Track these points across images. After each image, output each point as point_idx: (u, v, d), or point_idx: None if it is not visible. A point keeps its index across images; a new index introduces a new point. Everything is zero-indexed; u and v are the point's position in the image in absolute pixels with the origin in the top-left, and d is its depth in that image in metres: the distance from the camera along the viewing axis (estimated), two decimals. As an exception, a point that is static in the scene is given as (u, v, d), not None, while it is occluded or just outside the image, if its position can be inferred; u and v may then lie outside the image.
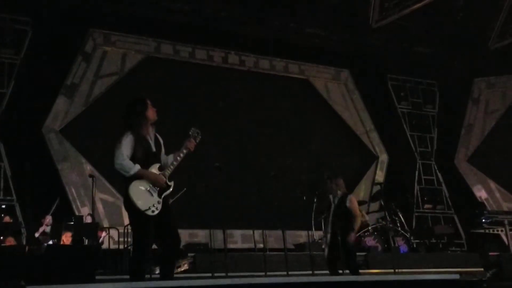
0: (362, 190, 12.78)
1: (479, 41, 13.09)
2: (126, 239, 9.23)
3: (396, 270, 6.88)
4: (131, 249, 5.08)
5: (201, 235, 10.35)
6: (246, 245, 10.37)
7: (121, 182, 4.85)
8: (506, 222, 10.17)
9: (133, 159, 4.84)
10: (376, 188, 11.98)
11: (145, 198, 4.78)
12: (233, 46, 12.27)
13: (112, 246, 9.32)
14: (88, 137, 10.33)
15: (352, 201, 6.79)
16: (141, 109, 5.06)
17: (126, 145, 4.87)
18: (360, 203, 10.89)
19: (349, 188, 12.26)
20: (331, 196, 7.10)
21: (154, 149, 5.02)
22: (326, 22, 12.27)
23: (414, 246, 10.28)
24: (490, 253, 9.12)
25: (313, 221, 9.66)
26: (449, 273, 5.85)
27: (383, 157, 13.27)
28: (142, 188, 4.81)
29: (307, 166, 11.89)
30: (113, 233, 9.43)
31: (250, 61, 12.56)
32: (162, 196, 4.86)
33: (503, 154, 13.42)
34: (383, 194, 11.12)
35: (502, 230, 10.63)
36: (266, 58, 12.74)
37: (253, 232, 8.68)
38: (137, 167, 4.77)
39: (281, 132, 12.07)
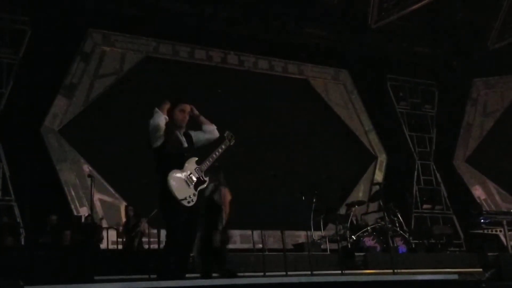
0: (361, 190, 12.79)
1: (478, 41, 13.11)
2: (123, 239, 9.26)
3: (395, 270, 6.86)
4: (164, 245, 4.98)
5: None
6: (245, 245, 10.37)
7: (156, 171, 4.86)
8: (504, 222, 10.14)
9: (167, 154, 4.89)
10: (375, 188, 11.99)
11: (183, 187, 4.80)
12: (232, 46, 12.28)
13: (111, 246, 9.31)
14: (87, 137, 10.33)
15: (223, 194, 6.24)
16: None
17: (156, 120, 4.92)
18: (359, 203, 10.92)
19: (348, 188, 12.51)
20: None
21: (185, 144, 5.09)
22: (325, 22, 12.28)
23: (413, 246, 10.26)
24: (489, 254, 9.11)
25: (312, 221, 9.64)
26: (448, 274, 5.86)
27: (382, 157, 13.28)
28: (181, 176, 4.84)
29: (306, 166, 11.88)
30: (112, 233, 9.41)
31: (249, 61, 12.56)
32: (198, 190, 4.89)
33: (501, 155, 13.44)
34: (382, 194, 11.10)
35: (500, 231, 10.62)
36: (265, 59, 12.74)
37: (252, 232, 8.68)
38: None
39: (280, 132, 12.06)
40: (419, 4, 11.61)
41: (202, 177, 5.00)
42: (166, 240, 4.89)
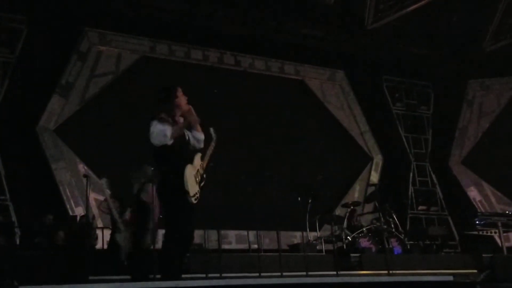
0: (357, 191, 12.81)
1: (474, 43, 13.14)
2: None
3: (390, 272, 6.88)
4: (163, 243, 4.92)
5: (195, 235, 10.31)
6: (240, 246, 10.38)
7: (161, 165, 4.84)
8: (499, 224, 10.20)
9: (172, 149, 4.88)
10: (371, 189, 12.01)
11: (193, 184, 4.81)
12: (229, 47, 12.27)
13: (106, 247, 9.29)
14: (83, 136, 10.31)
15: (150, 193, 5.96)
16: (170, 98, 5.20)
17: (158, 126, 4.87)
18: (355, 204, 10.94)
19: (343, 188, 12.52)
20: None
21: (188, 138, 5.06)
22: (322, 23, 12.27)
23: (408, 247, 10.29)
24: (484, 255, 9.14)
25: (307, 222, 9.65)
26: (443, 275, 5.88)
27: (378, 158, 13.29)
28: (193, 172, 4.83)
29: (302, 166, 11.88)
30: (107, 233, 9.39)
31: (246, 61, 12.55)
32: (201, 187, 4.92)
33: (497, 156, 13.48)
34: (377, 195, 11.14)
35: (495, 232, 10.66)
36: (261, 59, 12.73)
37: (248, 233, 8.69)
38: (169, 128, 4.83)
39: (276, 132, 12.06)
40: (415, 6, 11.65)
41: (204, 174, 5.02)
42: (168, 237, 4.81)
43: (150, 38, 11.55)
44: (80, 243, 7.43)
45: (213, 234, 8.58)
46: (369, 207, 11.52)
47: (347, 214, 10.18)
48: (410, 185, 13.26)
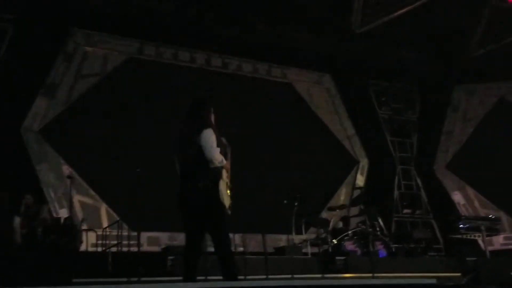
0: (343, 194, 12.86)
1: (459, 48, 13.25)
2: (105, 242, 9.19)
3: (374, 274, 6.92)
4: (218, 252, 5.19)
5: (181, 238, 10.29)
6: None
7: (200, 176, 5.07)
8: (483, 227, 10.29)
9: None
10: (356, 192, 12.06)
11: (227, 196, 5.20)
12: (217, 49, 12.26)
13: (91, 249, 9.24)
14: (68, 138, 10.22)
15: None
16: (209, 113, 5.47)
17: (214, 139, 5.15)
18: (341, 207, 10.98)
19: (330, 192, 12.56)
20: None
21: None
22: (309, 27, 12.30)
23: (393, 250, 10.34)
24: (467, 258, 9.22)
25: (293, 225, 9.66)
26: (427, 278, 5.91)
27: (364, 162, 13.35)
28: (225, 186, 5.18)
29: (289, 169, 11.91)
30: (91, 235, 9.34)
31: (233, 64, 12.55)
32: None
33: (480, 161, 13.60)
34: (363, 199, 11.20)
35: (479, 236, 10.75)
36: (249, 62, 12.74)
37: (234, 236, 8.67)
38: (224, 159, 5.22)
39: (263, 135, 12.07)
40: (402, 10, 11.70)
41: (231, 185, 5.37)
42: (226, 244, 5.16)
43: (138, 39, 11.50)
44: (64, 245, 7.38)
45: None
46: (355, 210, 11.55)
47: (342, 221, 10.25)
48: (395, 188, 13.36)
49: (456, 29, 12.62)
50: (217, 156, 5.12)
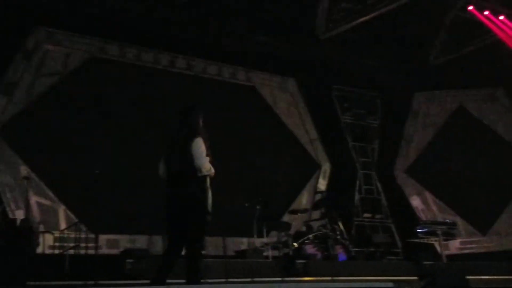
0: (305, 198, 12.93)
1: (421, 56, 13.53)
2: (63, 244, 9.02)
3: (334, 278, 6.99)
4: (189, 254, 5.33)
5: (141, 241, 10.20)
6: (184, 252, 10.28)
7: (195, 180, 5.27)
8: (439, 232, 10.53)
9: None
10: (318, 196, 12.17)
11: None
12: (181, 50, 12.18)
13: (48, 251, 9.06)
14: (26, 137, 9.95)
15: None
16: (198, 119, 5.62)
17: (204, 148, 5.34)
18: (302, 211, 11.06)
19: (292, 195, 12.62)
20: None
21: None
22: (274, 31, 12.36)
23: (353, 254, 10.47)
24: (425, 262, 9.40)
25: (255, 228, 9.68)
26: (384, 281, 6.00)
27: (326, 166, 13.46)
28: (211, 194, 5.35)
29: (251, 173, 11.92)
30: (48, 237, 9.16)
31: (198, 66, 12.49)
32: None
33: (439, 166, 13.92)
34: (324, 203, 11.31)
35: (436, 240, 11.00)
36: (214, 64, 12.71)
37: (191, 234, 8.61)
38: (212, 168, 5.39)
39: (226, 138, 12.03)
40: (367, 17, 11.89)
41: None
42: (193, 247, 5.26)
43: (101, 39, 11.31)
44: (20, 247, 7.21)
45: (159, 240, 8.51)
46: (316, 214, 11.66)
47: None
48: (356, 193, 13.52)
49: (418, 37, 12.91)
50: (206, 165, 5.31)
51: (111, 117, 10.69)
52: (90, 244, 8.30)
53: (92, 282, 6.09)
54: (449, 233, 11.02)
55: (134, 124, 10.81)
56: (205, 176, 5.33)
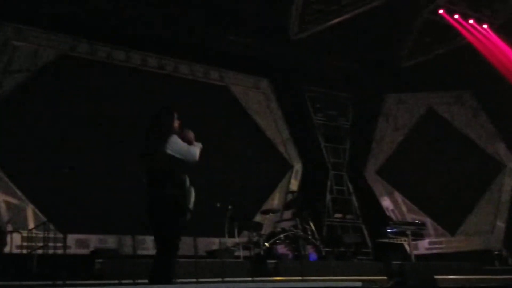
0: (277, 198, 12.96)
1: (391, 58, 13.70)
2: (31, 244, 8.88)
3: (304, 278, 7.03)
4: (159, 254, 5.34)
5: (111, 241, 10.10)
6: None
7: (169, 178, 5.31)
8: (409, 232, 10.68)
9: (182, 162, 5.41)
10: (290, 196, 12.22)
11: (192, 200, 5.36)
12: (153, 49, 12.09)
13: (15, 251, 8.90)
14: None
15: None
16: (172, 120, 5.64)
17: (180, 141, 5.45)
18: (274, 211, 11.09)
19: (264, 195, 12.64)
20: None
21: None
22: (248, 31, 12.38)
23: (323, 254, 10.53)
24: (394, 262, 9.52)
25: (226, 228, 9.67)
26: (353, 281, 6.06)
27: (298, 167, 13.52)
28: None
29: (223, 173, 11.90)
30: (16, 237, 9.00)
31: (170, 65, 12.42)
32: None
33: (409, 168, 14.13)
34: (296, 203, 11.36)
35: (405, 240, 11.15)
36: (186, 63, 12.65)
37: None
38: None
39: (198, 137, 11.97)
40: (339, 19, 12.00)
41: None
42: (168, 246, 5.27)
43: (71, 36, 11.16)
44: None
45: (129, 240, 8.45)
46: (288, 214, 11.70)
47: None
48: (328, 193, 13.61)
49: (389, 39, 13.05)
50: (195, 151, 5.52)
51: (81, 115, 10.56)
52: (59, 244, 8.19)
53: (60, 282, 6.02)
54: (418, 233, 11.19)
55: (105, 122, 10.69)
56: (182, 177, 5.39)
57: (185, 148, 5.41)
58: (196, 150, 5.49)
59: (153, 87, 11.75)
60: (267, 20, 12.18)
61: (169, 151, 5.32)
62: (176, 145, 5.38)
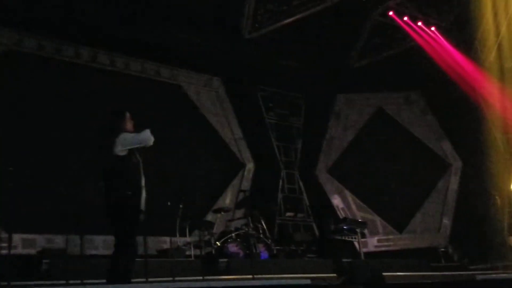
0: (228, 197, 12.97)
1: (342, 59, 13.90)
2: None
3: (254, 276, 7.06)
4: (114, 254, 5.43)
5: (58, 241, 9.87)
6: (106, 252, 10.07)
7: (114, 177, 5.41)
8: (358, 230, 10.85)
9: (133, 163, 5.51)
10: (242, 195, 12.25)
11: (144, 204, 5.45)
12: (103, 45, 11.86)
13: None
14: None
15: None
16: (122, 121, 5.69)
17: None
18: (226, 210, 11.09)
19: (216, 194, 12.61)
20: None
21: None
22: (201, 29, 12.32)
23: (275, 252, 10.61)
24: (343, 260, 9.67)
25: (177, 227, 9.61)
26: (302, 278, 6.13)
27: (250, 165, 13.56)
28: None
29: (174, 172, 11.81)
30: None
31: (121, 62, 12.23)
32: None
33: (359, 167, 14.38)
34: (247, 202, 11.40)
35: (355, 238, 11.33)
36: (137, 61, 12.48)
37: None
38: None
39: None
40: (291, 19, 12.10)
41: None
42: (121, 246, 5.33)
43: (17, 31, 10.82)
44: None
45: (76, 239, 8.27)
46: (239, 213, 11.72)
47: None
48: (279, 192, 13.71)
49: (340, 40, 13.24)
50: (145, 136, 5.55)
51: (28, 112, 10.27)
52: (4, 244, 7.96)
53: (5, 283, 5.85)
54: (361, 232, 11.35)
55: (52, 120, 10.43)
56: (135, 178, 5.44)
57: (136, 136, 5.49)
58: (146, 133, 5.55)
59: (103, 84, 11.54)
60: (220, 19, 12.16)
61: (120, 153, 5.39)
62: (126, 140, 5.43)
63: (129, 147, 5.43)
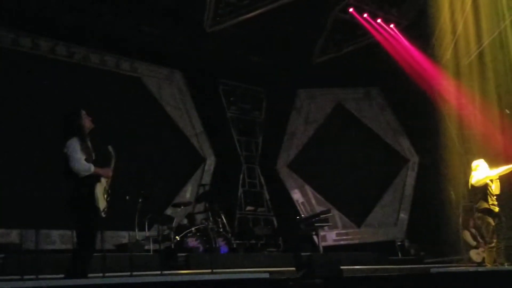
0: (189, 192, 12.92)
1: (304, 54, 13.98)
2: None
3: (214, 270, 7.06)
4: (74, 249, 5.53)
5: (13, 235, 9.65)
6: (63, 246, 9.91)
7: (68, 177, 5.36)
8: (318, 224, 10.99)
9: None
10: (202, 189, 12.23)
11: (102, 200, 5.42)
12: (62, 37, 11.60)
13: None
14: None
15: None
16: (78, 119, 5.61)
17: (77, 149, 5.35)
18: (186, 204, 11.05)
19: (175, 188, 12.54)
20: None
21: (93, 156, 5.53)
22: (162, 22, 12.21)
23: (234, 246, 10.63)
24: (303, 254, 9.75)
25: (136, 222, 9.53)
26: (261, 272, 6.16)
27: (211, 160, 13.54)
28: (101, 190, 5.41)
29: (134, 166, 11.67)
30: None
31: (80, 54, 11.99)
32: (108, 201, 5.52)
33: (318, 162, 14.53)
34: (208, 196, 11.39)
35: (314, 233, 11.47)
36: (97, 52, 12.26)
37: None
38: (93, 166, 5.36)
39: (108, 129, 11.66)
40: (253, 14, 12.09)
41: (109, 190, 5.61)
42: (81, 242, 5.36)
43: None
44: None
45: (32, 234, 8.13)
46: (199, 207, 11.70)
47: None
48: (240, 186, 13.73)
49: (301, 35, 13.31)
50: (80, 167, 5.32)
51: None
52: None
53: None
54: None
55: (6, 112, 10.17)
56: (88, 176, 5.38)
57: (73, 156, 5.34)
58: (84, 167, 5.34)
59: (62, 76, 11.30)
60: (181, 12, 12.07)
61: (67, 154, 5.41)
62: (70, 149, 5.39)
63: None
